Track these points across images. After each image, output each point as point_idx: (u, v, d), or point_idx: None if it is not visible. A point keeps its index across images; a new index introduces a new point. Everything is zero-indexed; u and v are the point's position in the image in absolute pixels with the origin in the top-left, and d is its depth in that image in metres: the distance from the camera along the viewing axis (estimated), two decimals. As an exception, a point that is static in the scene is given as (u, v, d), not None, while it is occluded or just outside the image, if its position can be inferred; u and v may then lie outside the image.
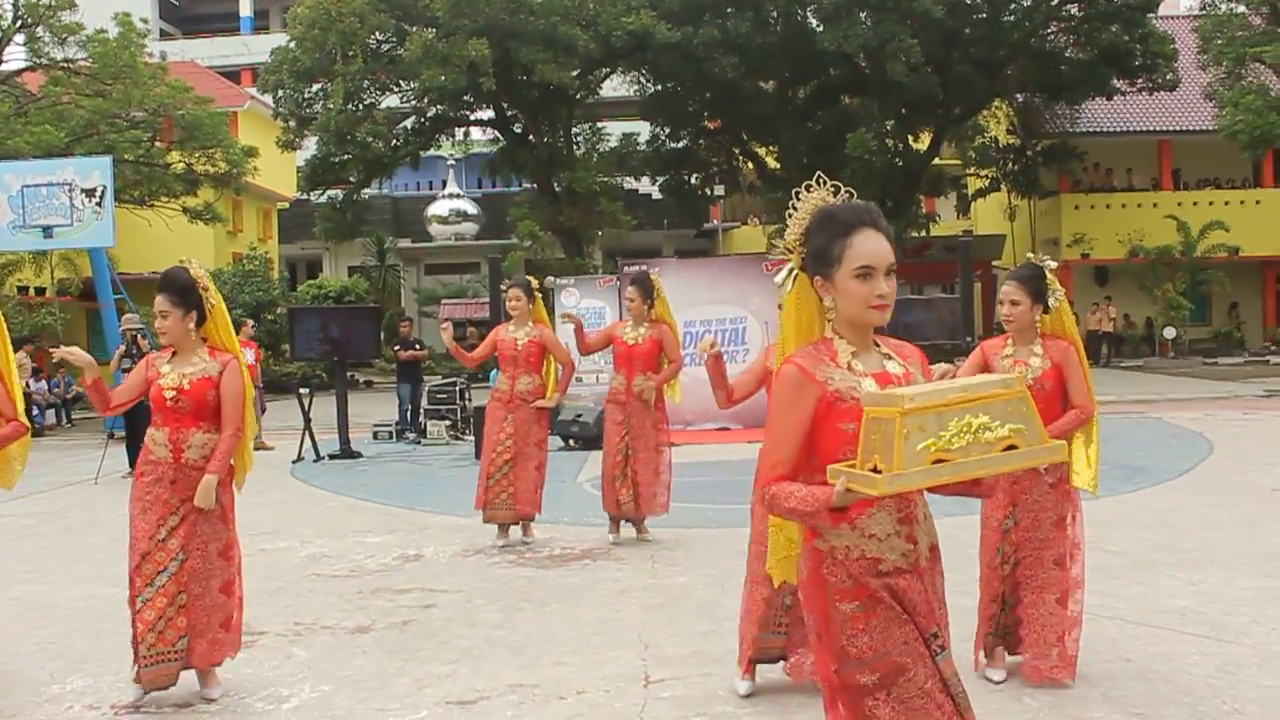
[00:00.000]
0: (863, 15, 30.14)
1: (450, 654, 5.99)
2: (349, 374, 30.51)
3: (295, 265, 44.80)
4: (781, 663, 5.26)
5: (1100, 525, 8.80)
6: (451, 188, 41.71)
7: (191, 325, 5.33)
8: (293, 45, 28.32)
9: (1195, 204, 34.96)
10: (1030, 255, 5.63)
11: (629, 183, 38.32)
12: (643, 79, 33.41)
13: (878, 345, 2.88)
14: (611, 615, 6.68)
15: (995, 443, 2.45)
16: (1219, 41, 29.25)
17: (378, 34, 28.49)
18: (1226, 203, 35.07)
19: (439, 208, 41.05)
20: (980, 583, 5.32)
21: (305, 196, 34.35)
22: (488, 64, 26.68)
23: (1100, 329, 32.77)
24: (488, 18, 26.55)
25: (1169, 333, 32.84)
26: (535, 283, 9.04)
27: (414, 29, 28.20)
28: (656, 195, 38.43)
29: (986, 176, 35.75)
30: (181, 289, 5.31)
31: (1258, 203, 35.30)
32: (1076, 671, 5.11)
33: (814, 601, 2.82)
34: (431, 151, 36.57)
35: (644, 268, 17.76)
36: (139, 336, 13.59)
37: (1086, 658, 5.26)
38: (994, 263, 38.28)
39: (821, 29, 30.31)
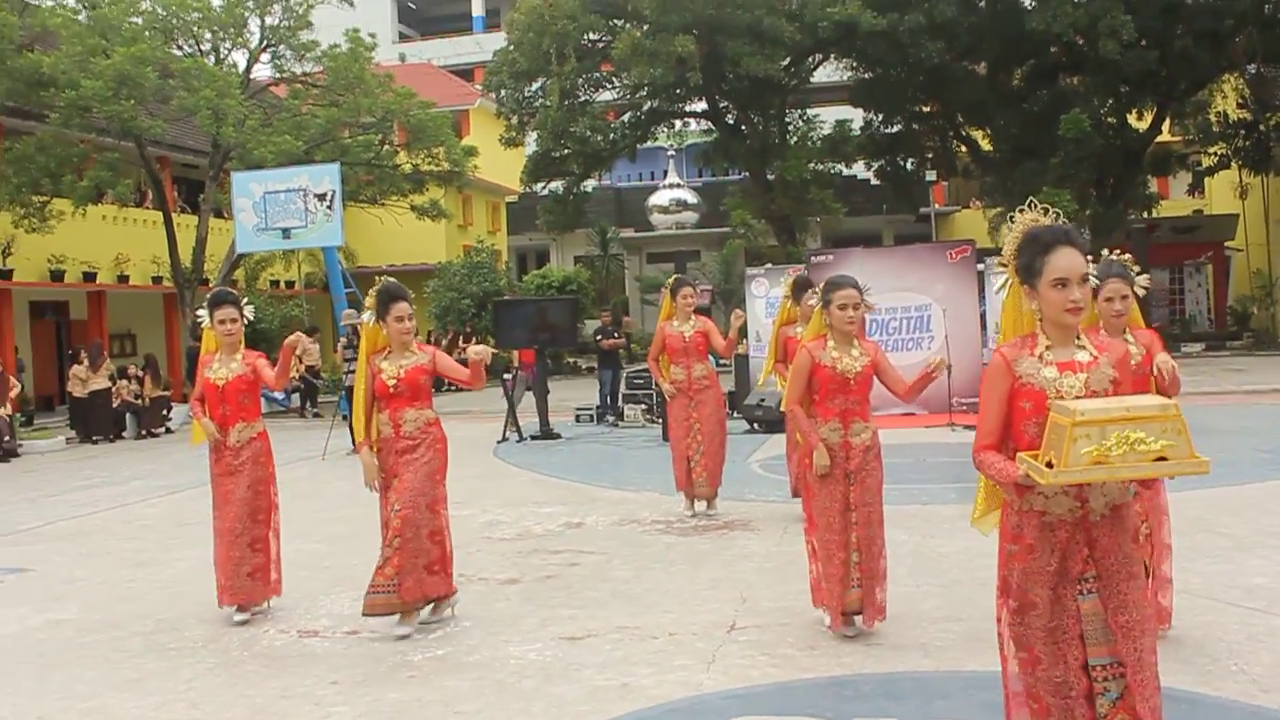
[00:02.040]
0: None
1: (578, 602, 6.99)
2: (565, 359, 32.11)
3: (525, 256, 46.88)
4: (858, 617, 6.03)
5: (1226, 509, 9.14)
6: (672, 178, 42.85)
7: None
8: (511, 48, 29.97)
9: None
10: (1105, 252, 6.06)
11: (849, 168, 38.58)
12: (852, 66, 33.67)
13: (1079, 339, 3.59)
14: (726, 575, 7.54)
15: (1148, 454, 3.16)
16: None
17: (590, 33, 29.77)
18: None
19: (660, 197, 42.25)
20: None
21: (530, 190, 36.01)
22: (695, 59, 27.63)
23: (1339, 312, 31.31)
24: (694, 13, 27.43)
25: None
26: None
27: (624, 25, 29.38)
28: (875, 181, 38.62)
29: (1215, 154, 34.54)
30: (406, 295, 6.60)
31: None
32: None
33: (1000, 539, 3.67)
34: (651, 143, 37.78)
35: (820, 259, 18.44)
36: (360, 327, 15.10)
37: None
38: (1227, 244, 36.93)
39: (1032, 7, 30.00)
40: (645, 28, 28.73)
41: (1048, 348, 3.53)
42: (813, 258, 18.42)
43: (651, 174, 45.40)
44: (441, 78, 44.32)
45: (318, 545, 9.05)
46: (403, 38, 57.88)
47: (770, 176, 32.75)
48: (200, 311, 7.20)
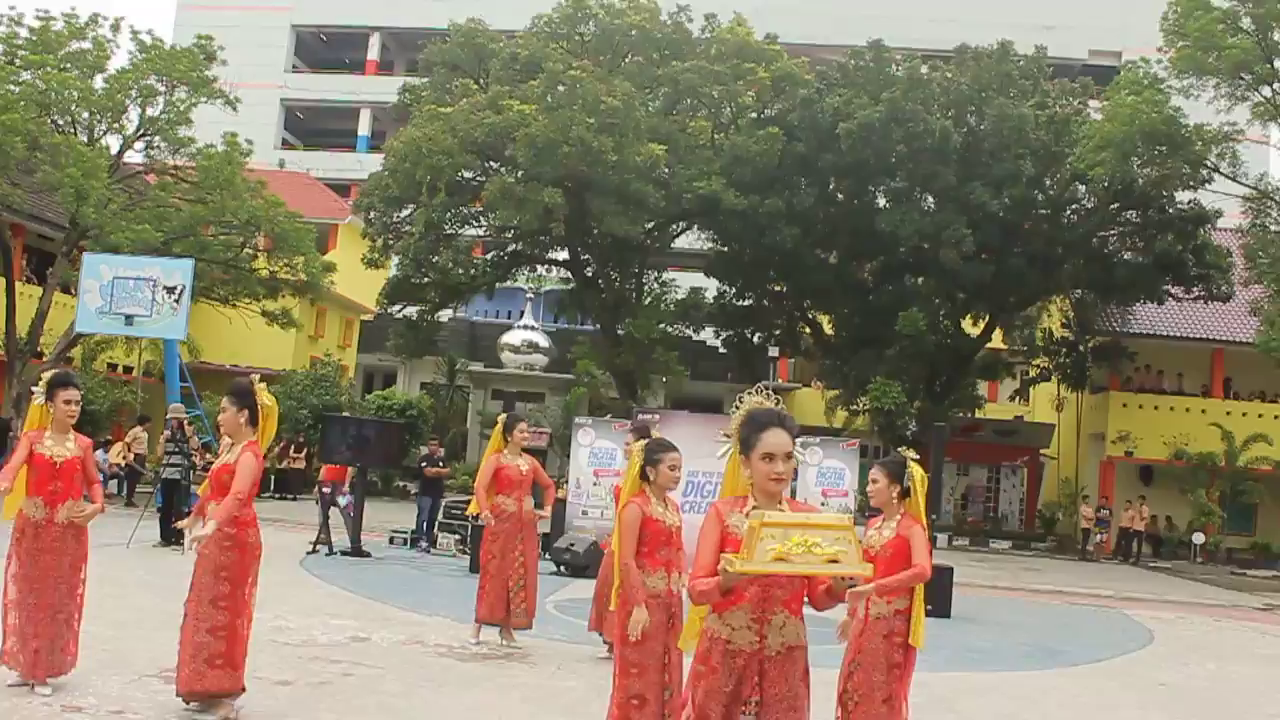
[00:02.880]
0: (927, 198, 31.82)
1: (342, 709, 7.33)
2: (394, 481, 32.13)
3: (373, 375, 46.91)
4: None
5: (971, 691, 9.92)
6: (527, 319, 43.62)
7: (243, 421, 6.99)
8: (386, 173, 30.72)
9: (1244, 415, 35.46)
10: (899, 450, 6.95)
11: (698, 334, 39.86)
12: (713, 238, 35.14)
13: (781, 504, 4.17)
14: (493, 701, 7.96)
15: (822, 555, 3.76)
16: (1263, 260, 30.19)
17: (464, 171, 30.69)
18: (1277, 416, 35.44)
19: (512, 337, 42.86)
20: None
21: (385, 312, 36.30)
22: (561, 211, 28.64)
23: (1132, 527, 33.19)
24: (567, 168, 28.55)
25: (1197, 538, 33.19)
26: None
27: (498, 168, 30.41)
28: (722, 349, 39.96)
29: (1038, 366, 36.82)
30: (239, 393, 7.04)
31: (1307, 419, 35.65)
32: None
33: (693, 662, 4.23)
34: (510, 283, 38.60)
35: (646, 419, 19.18)
36: (184, 423, 15.29)
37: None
38: (1042, 451, 39.06)
39: (886, 207, 31.98)
40: (519, 174, 29.76)
41: (754, 508, 4.16)
42: (640, 415, 19.12)
43: (509, 313, 46.11)
44: (316, 189, 44.72)
45: (101, 629, 9.12)
46: (285, 144, 58.32)
47: (620, 331, 33.71)
48: (35, 388, 7.41)
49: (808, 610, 4.20)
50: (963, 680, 10.53)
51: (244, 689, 6.90)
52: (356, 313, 42.76)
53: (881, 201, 33.11)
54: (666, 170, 30.45)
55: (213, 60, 25.88)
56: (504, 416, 10.66)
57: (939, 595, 15.36)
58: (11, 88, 23.37)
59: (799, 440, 14.89)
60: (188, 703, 6.75)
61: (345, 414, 27.50)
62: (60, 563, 7.21)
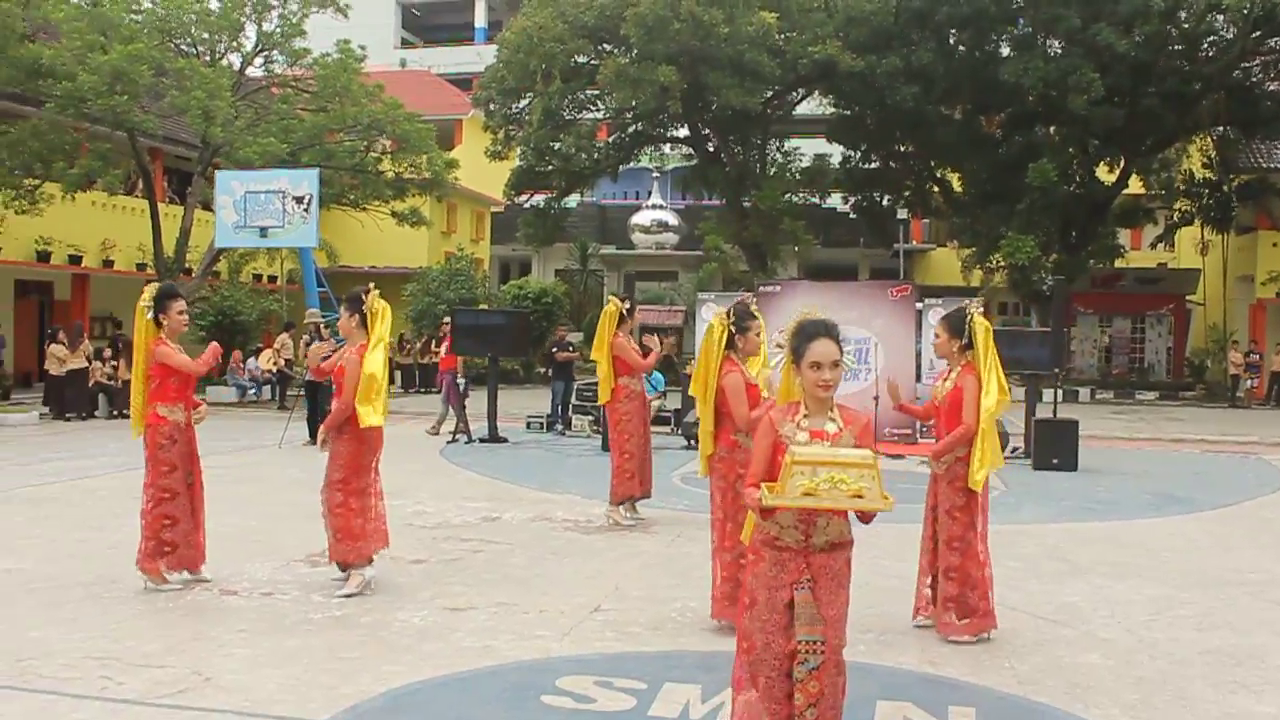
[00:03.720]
0: (1051, 44, 30.84)
1: (471, 581, 7.89)
2: (535, 369, 32.93)
3: (508, 265, 47.83)
4: None
5: (1081, 540, 10.09)
6: (656, 199, 43.87)
7: (354, 325, 7.65)
8: (501, 65, 31.00)
9: (1405, 247, 34.06)
10: (966, 302, 7.24)
11: (828, 201, 39.56)
12: (833, 103, 34.66)
13: (832, 411, 4.48)
14: (610, 569, 8.44)
15: (847, 491, 4.09)
16: None
17: (578, 56, 30.78)
18: None
19: (642, 217, 43.23)
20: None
21: (511, 202, 36.85)
22: (677, 88, 28.60)
23: (1284, 369, 32.26)
24: (679, 44, 28.43)
25: (1352, 378, 32.15)
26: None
27: (611, 50, 30.42)
28: (853, 215, 39.66)
29: (1180, 210, 35.66)
30: (351, 300, 7.69)
31: None
32: (961, 629, 6.69)
33: (749, 554, 4.59)
34: (634, 165, 38.75)
35: (768, 289, 19.37)
36: (321, 327, 16.06)
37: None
38: (1188, 298, 38.06)
39: (1009, 56, 31.12)
40: (632, 54, 29.71)
41: (805, 416, 4.43)
42: (761, 287, 19.34)
43: (636, 193, 46.37)
44: (438, 86, 45.33)
45: (253, 522, 9.94)
46: (405, 43, 58.92)
47: (745, 204, 33.68)
48: (143, 303, 7.62)
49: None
50: (1078, 530, 10.68)
51: (368, 560, 7.56)
52: (486, 205, 43.51)
53: (1004, 51, 32.24)
54: (780, 38, 30.07)
55: (322, -32, 26.37)
56: (627, 301, 10.85)
57: (1064, 449, 15.43)
58: (135, 17, 24.22)
59: (924, 300, 15.36)
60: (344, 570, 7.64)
61: (482, 307, 28.34)
62: (197, 465, 7.86)
